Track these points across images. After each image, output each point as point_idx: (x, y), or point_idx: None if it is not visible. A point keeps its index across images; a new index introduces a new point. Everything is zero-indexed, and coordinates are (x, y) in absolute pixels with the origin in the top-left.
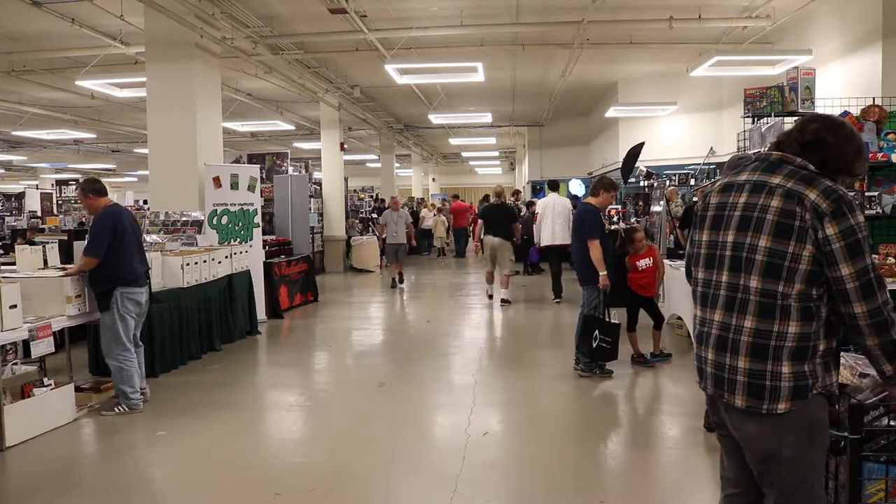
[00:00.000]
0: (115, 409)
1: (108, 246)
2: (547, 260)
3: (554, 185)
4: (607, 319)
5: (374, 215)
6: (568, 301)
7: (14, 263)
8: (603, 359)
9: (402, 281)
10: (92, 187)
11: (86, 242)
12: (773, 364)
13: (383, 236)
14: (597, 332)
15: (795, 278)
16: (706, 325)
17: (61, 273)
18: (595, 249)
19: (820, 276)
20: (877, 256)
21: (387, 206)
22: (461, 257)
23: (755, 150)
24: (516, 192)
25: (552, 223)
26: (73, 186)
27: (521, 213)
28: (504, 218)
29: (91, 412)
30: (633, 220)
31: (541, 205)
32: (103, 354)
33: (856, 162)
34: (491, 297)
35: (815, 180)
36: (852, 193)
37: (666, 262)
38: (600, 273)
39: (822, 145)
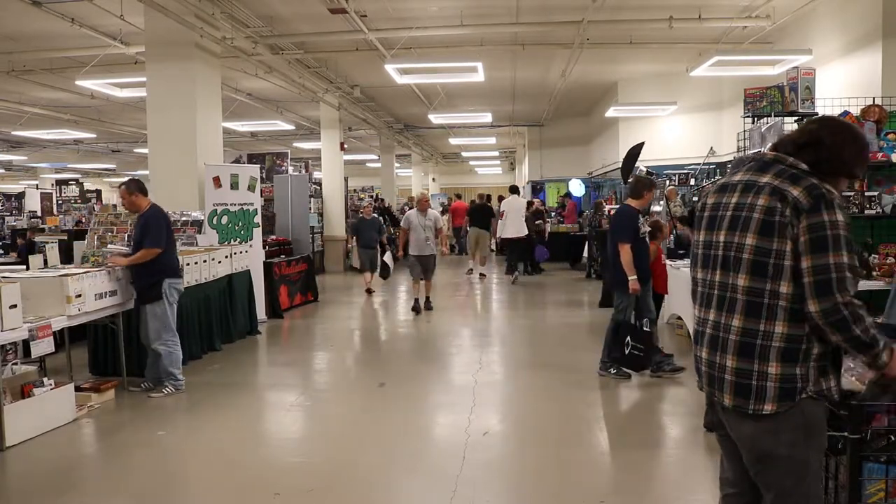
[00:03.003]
0: (164, 390)
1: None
2: (511, 249)
3: (514, 189)
4: (638, 326)
5: (374, 215)
6: (568, 301)
7: (16, 263)
8: (634, 367)
9: (430, 306)
10: (138, 187)
11: (138, 238)
12: (759, 364)
13: (402, 246)
14: (629, 338)
15: (782, 276)
16: (702, 325)
17: (118, 259)
18: (625, 254)
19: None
20: (876, 256)
21: (379, 204)
22: (461, 254)
23: (755, 150)
24: None
25: (515, 220)
26: (73, 186)
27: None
28: (484, 215)
29: (91, 412)
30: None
31: (504, 205)
32: (149, 342)
33: (855, 164)
34: (470, 271)
35: (802, 178)
36: (851, 193)
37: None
38: (629, 277)
39: (819, 146)
